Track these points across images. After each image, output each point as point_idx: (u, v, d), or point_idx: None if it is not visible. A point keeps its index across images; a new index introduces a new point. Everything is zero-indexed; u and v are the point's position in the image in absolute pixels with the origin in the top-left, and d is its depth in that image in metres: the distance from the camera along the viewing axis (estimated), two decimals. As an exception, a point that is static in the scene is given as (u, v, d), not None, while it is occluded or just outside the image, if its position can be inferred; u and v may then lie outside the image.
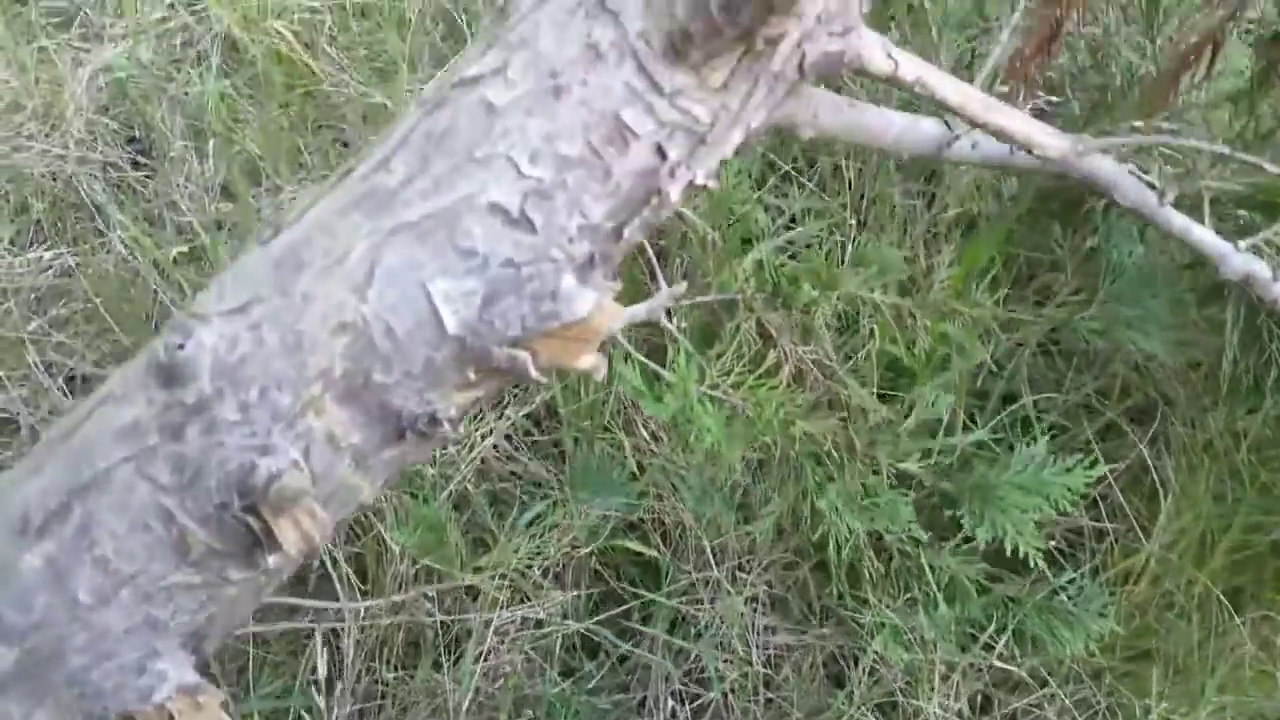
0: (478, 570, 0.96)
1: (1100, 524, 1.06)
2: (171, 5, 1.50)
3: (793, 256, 1.00)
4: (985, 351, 0.97)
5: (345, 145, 1.38)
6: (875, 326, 0.92)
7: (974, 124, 0.59)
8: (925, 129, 0.67)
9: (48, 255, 1.29)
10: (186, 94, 1.43)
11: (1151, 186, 0.65)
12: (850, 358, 0.96)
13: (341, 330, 0.46)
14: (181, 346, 0.46)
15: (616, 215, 0.49)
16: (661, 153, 0.48)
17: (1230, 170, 0.62)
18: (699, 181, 0.50)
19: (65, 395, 1.16)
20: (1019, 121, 0.59)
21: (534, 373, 0.47)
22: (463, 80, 0.49)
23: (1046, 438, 0.84)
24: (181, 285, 1.21)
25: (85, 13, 1.53)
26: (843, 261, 0.95)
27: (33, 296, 1.26)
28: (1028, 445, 0.83)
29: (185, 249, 1.24)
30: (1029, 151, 0.60)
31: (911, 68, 0.56)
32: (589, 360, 0.49)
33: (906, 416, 0.82)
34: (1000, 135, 0.59)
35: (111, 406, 0.49)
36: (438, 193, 0.47)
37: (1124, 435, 1.06)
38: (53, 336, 1.21)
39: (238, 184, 1.33)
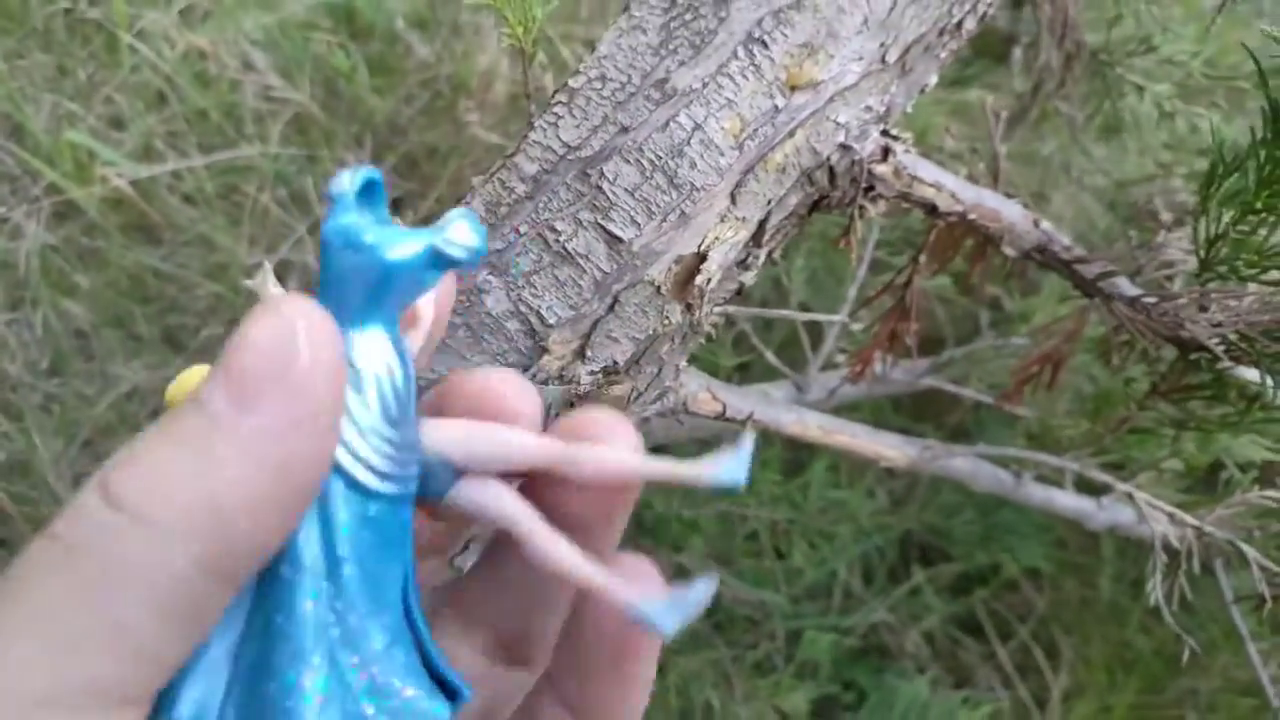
0: None
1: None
2: (-10, 154, 1.37)
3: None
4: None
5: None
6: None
7: (819, 445, 0.53)
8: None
9: None
10: (9, 255, 1.31)
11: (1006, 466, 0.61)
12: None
13: None
14: None
15: None
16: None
17: (1089, 453, 0.58)
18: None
19: None
20: (863, 439, 0.54)
21: None
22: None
23: (928, 675, 0.79)
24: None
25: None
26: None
27: None
28: (909, 677, 0.77)
29: (3, 455, 1.11)
30: (878, 463, 0.55)
31: (737, 401, 0.50)
32: None
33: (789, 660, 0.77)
34: (847, 453, 0.54)
35: None
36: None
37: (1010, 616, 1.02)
38: None
39: (65, 359, 1.21)
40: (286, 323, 0.19)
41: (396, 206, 1.33)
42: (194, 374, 0.24)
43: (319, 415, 0.19)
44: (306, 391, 0.18)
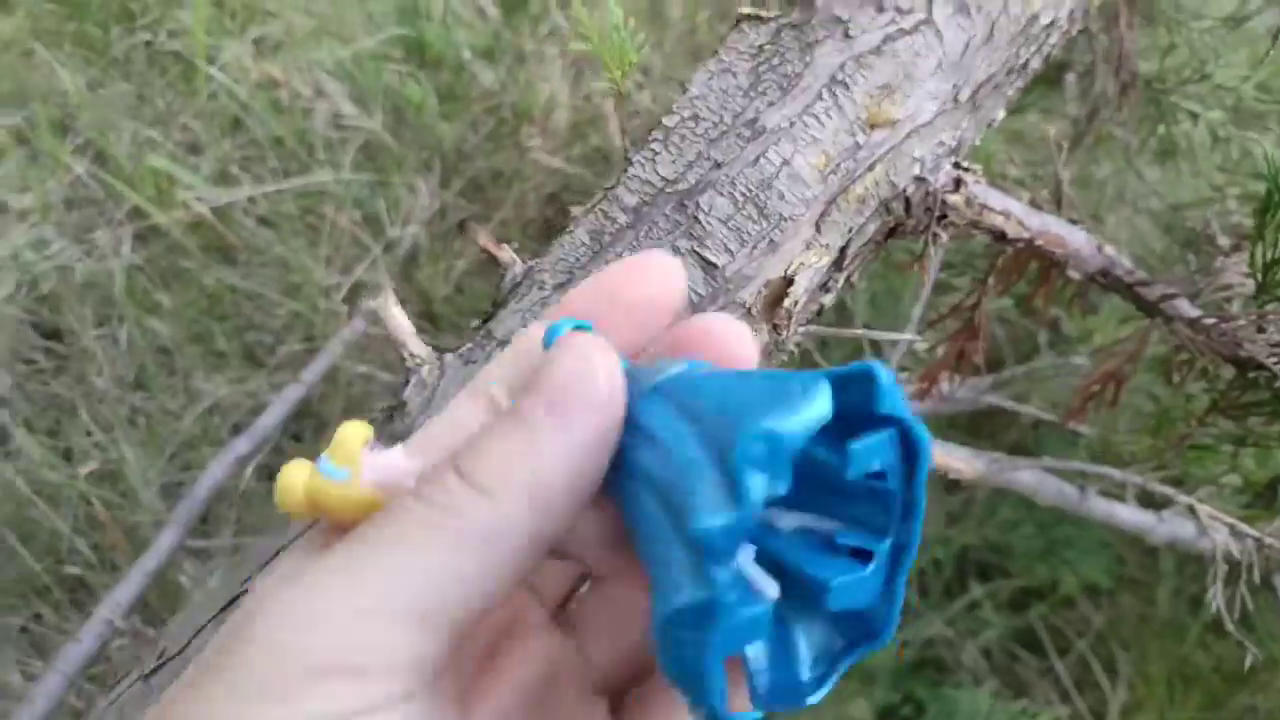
0: None
1: None
2: (78, 179, 1.45)
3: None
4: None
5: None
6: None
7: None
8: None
9: (-51, 469, 1.22)
10: (95, 274, 1.38)
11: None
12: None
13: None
14: None
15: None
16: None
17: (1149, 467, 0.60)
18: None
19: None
20: (935, 454, 0.57)
21: None
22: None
23: (990, 687, 0.81)
24: (91, 502, 1.15)
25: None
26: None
27: (-68, 516, 1.20)
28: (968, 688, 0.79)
29: (96, 464, 1.17)
30: (946, 475, 0.58)
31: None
32: None
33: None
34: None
35: None
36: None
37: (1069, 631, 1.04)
38: (-46, 567, 1.15)
39: (150, 375, 1.28)
40: (586, 357, 0.24)
41: (461, 228, 1.39)
42: (352, 428, 0.27)
43: (610, 429, 0.24)
44: (603, 410, 0.24)
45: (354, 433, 0.26)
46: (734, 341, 0.27)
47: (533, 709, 0.27)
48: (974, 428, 0.95)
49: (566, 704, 0.28)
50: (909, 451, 0.25)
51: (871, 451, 0.25)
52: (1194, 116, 0.74)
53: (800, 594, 0.26)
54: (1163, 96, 0.78)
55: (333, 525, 0.26)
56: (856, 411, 0.24)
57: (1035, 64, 0.48)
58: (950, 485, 1.01)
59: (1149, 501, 0.66)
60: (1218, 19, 0.77)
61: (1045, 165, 0.54)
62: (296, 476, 0.26)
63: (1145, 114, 0.81)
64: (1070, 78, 0.94)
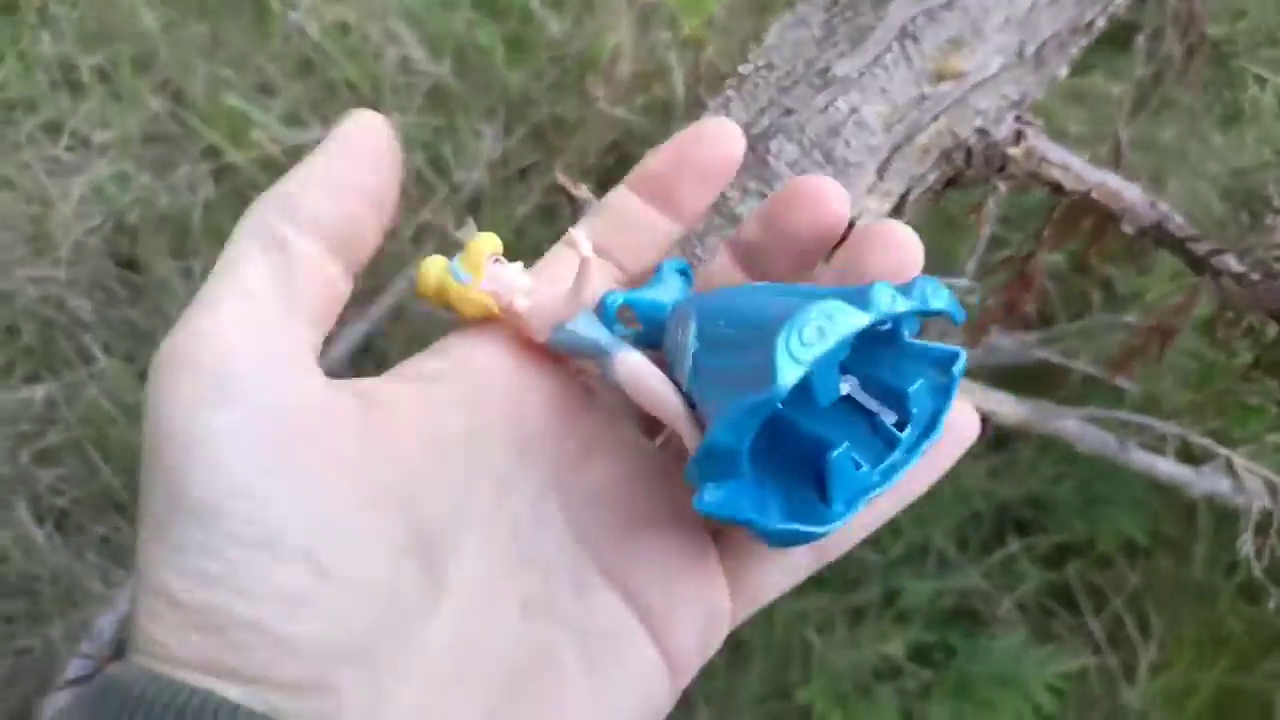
0: None
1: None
2: (156, 116, 1.50)
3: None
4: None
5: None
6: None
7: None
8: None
9: (37, 388, 1.30)
10: (172, 208, 1.44)
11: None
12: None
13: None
14: None
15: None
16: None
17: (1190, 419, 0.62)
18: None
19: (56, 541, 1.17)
20: (977, 395, 0.59)
21: None
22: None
23: (1020, 631, 0.84)
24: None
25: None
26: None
27: (17, 429, 1.27)
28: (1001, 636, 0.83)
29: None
30: (990, 421, 0.60)
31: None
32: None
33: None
34: (960, 410, 0.59)
35: None
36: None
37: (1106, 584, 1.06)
38: (41, 477, 1.22)
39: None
40: None
41: (523, 174, 1.42)
42: (483, 239, 0.30)
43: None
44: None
45: (483, 244, 0.30)
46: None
47: (625, 487, 0.30)
48: (1020, 387, 0.97)
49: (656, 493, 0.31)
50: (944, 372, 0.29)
51: (923, 395, 0.28)
52: (1261, 81, 0.74)
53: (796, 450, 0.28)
54: (1231, 60, 0.78)
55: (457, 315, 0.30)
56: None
57: (1100, 23, 0.49)
58: (995, 442, 1.03)
59: (1190, 459, 0.68)
60: (1292, -17, 0.77)
61: (1108, 125, 0.55)
62: (431, 270, 0.30)
63: (1212, 78, 0.81)
64: (1139, 40, 0.94)
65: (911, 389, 0.28)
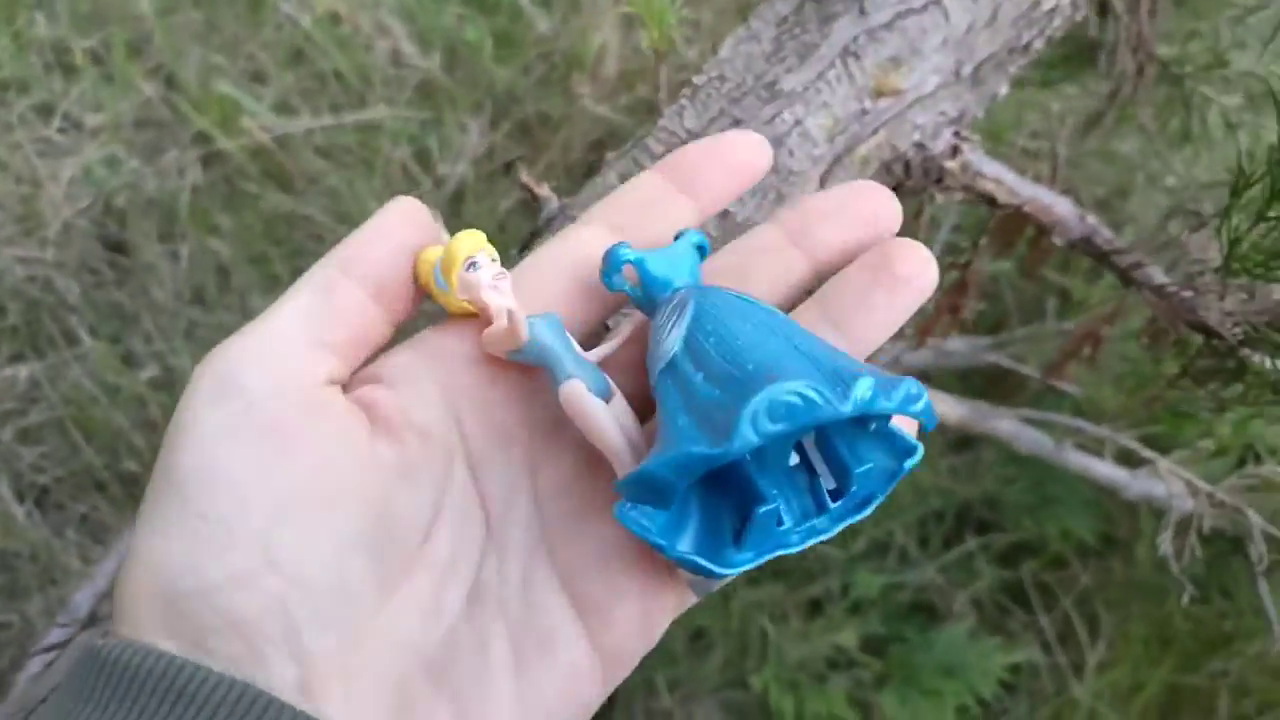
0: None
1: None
2: (149, 101, 1.52)
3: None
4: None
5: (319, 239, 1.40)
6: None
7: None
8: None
9: (21, 367, 1.32)
10: (161, 192, 1.46)
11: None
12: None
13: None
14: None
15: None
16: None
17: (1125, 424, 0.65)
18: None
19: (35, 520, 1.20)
20: (921, 397, 0.62)
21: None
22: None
23: (968, 621, 0.87)
24: (148, 404, 1.24)
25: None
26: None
27: (1, 408, 1.29)
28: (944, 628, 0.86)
29: (155, 371, 1.26)
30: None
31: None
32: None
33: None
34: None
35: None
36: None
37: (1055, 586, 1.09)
38: (23, 455, 1.24)
39: (208, 291, 1.36)
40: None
41: (508, 169, 1.44)
42: (462, 241, 0.31)
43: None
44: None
45: (457, 249, 0.31)
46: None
47: (590, 477, 0.32)
48: (980, 388, 1.00)
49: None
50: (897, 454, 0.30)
51: (869, 476, 0.29)
52: (1208, 101, 0.78)
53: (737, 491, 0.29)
54: (1184, 80, 0.81)
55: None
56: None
57: (1038, 45, 0.52)
58: (956, 443, 1.06)
59: (1127, 462, 0.71)
60: (1243, 5, 0.80)
61: (1066, 140, 0.58)
62: (421, 269, 0.32)
63: (1169, 96, 0.84)
64: (1101, 57, 0.97)
65: (859, 470, 0.29)
